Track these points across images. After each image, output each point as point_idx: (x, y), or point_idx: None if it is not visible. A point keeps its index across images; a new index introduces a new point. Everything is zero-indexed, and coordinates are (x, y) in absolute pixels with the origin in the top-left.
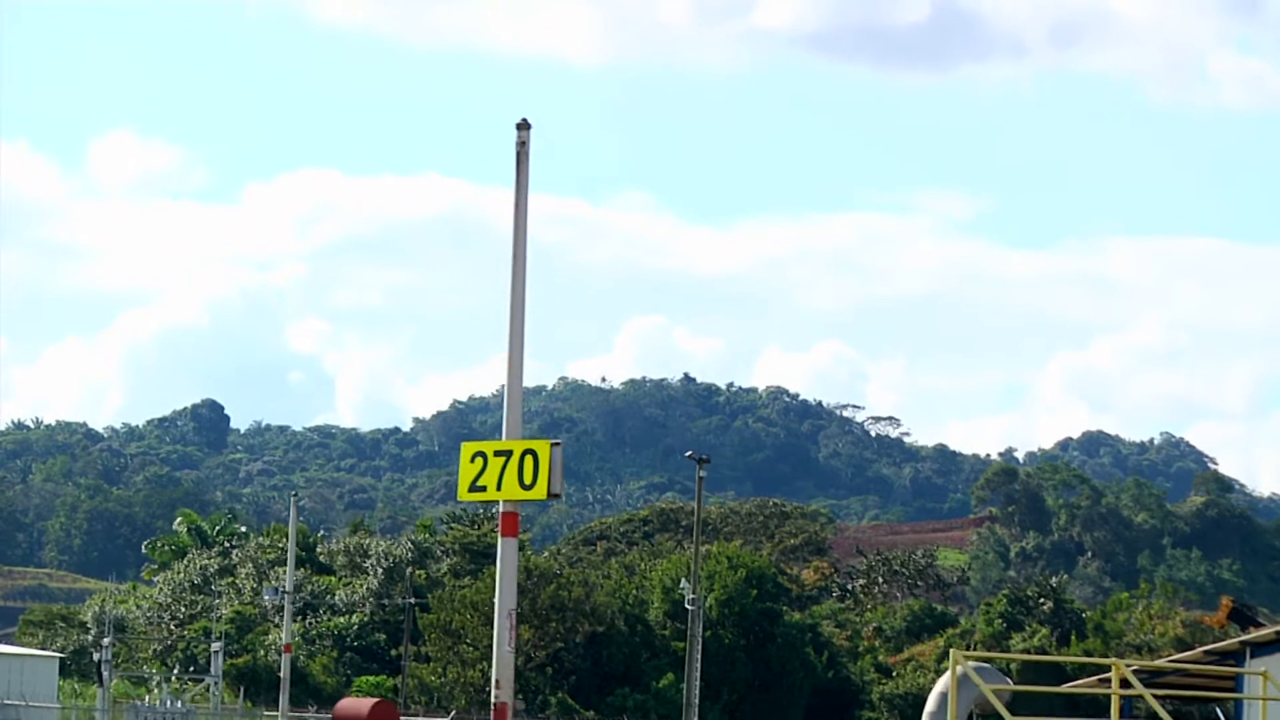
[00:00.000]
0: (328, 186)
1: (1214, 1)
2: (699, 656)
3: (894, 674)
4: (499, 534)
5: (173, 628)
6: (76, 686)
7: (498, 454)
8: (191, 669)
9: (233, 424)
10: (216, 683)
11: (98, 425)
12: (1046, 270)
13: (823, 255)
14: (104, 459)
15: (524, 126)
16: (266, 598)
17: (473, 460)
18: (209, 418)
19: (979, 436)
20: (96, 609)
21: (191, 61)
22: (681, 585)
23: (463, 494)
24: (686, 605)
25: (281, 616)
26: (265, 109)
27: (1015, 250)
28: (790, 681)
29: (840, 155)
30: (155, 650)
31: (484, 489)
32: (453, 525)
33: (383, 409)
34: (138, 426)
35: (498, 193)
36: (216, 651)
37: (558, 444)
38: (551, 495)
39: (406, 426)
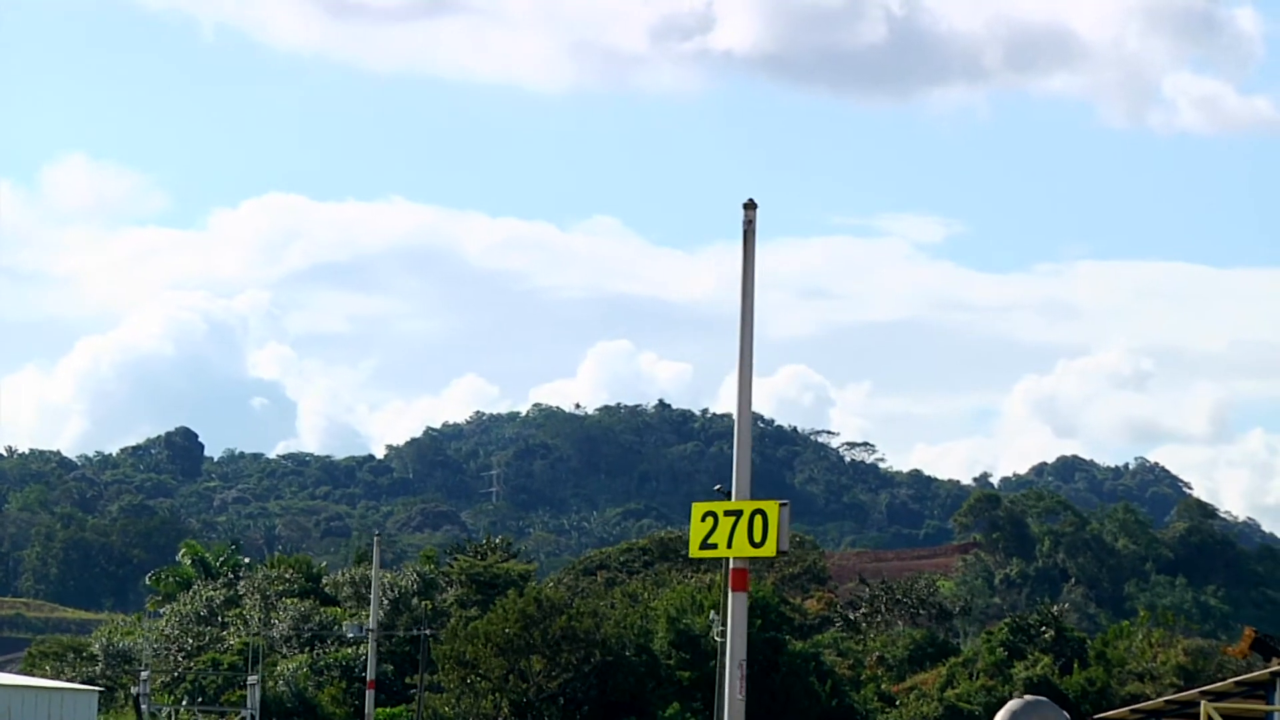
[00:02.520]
0: (293, 212)
1: (1169, 23)
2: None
3: (897, 703)
4: (729, 588)
5: (180, 659)
6: None
7: (728, 514)
8: (200, 700)
9: (206, 452)
10: (254, 716)
11: (71, 454)
12: (1014, 294)
13: (792, 279)
14: (79, 488)
15: (750, 206)
16: (350, 634)
17: (703, 519)
18: (183, 445)
19: (945, 461)
20: (104, 640)
21: (145, 85)
22: (710, 616)
23: (694, 551)
24: (715, 637)
25: (290, 647)
26: (225, 133)
27: (985, 274)
28: (795, 710)
29: (807, 179)
30: (163, 682)
31: (715, 546)
32: (458, 556)
33: (345, 435)
34: (111, 455)
35: (464, 218)
36: (253, 685)
37: (785, 504)
38: (780, 552)
39: (371, 452)
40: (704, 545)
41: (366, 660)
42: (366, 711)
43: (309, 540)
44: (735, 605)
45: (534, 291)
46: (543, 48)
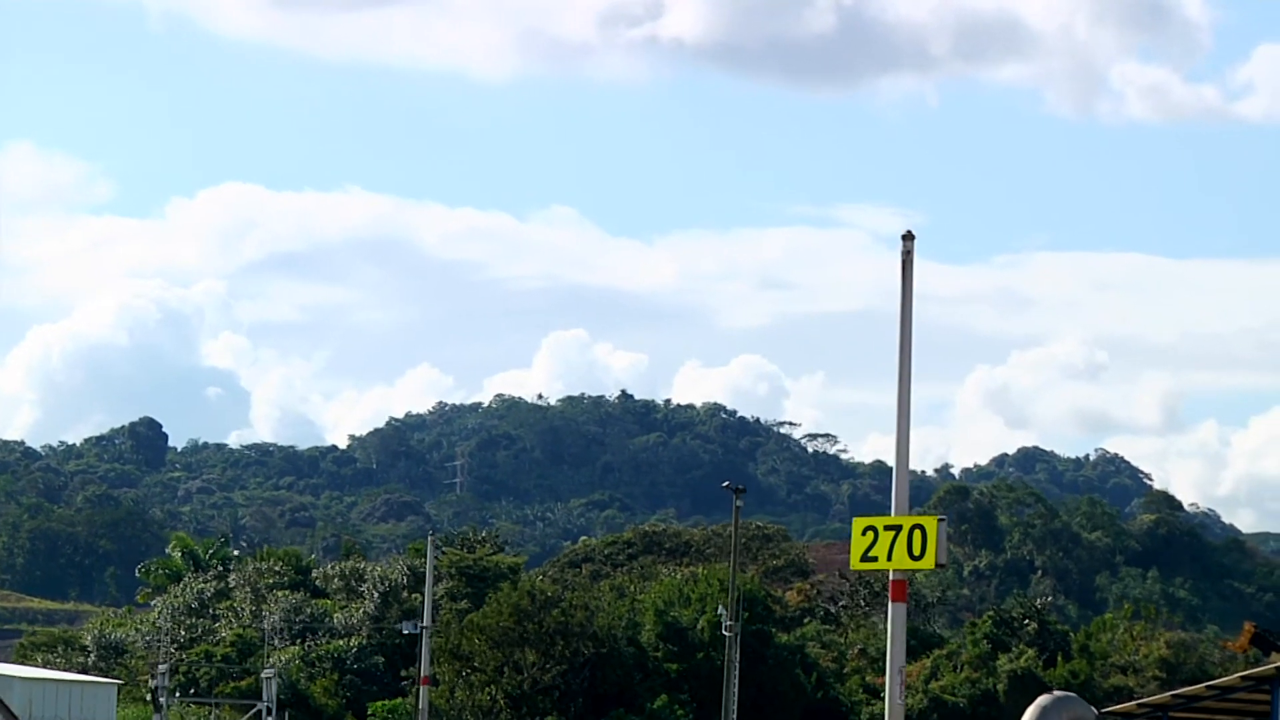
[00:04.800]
0: (251, 202)
1: (1117, 11)
2: (736, 680)
3: (882, 694)
4: (889, 598)
5: (173, 650)
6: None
7: (888, 528)
8: (192, 691)
9: (170, 442)
10: (270, 710)
11: (33, 444)
12: (971, 286)
13: (751, 270)
14: (44, 478)
15: (909, 237)
16: (405, 630)
17: (864, 533)
18: (146, 435)
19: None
20: (96, 632)
21: (92, 74)
22: (719, 611)
23: (854, 564)
24: (724, 631)
25: (281, 639)
26: (176, 122)
27: (943, 266)
28: (782, 702)
29: (762, 169)
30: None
31: (875, 559)
32: (447, 549)
33: (299, 424)
34: (75, 445)
35: (422, 209)
36: (269, 678)
37: (943, 519)
38: (938, 565)
39: (334, 443)
40: (864, 558)
41: (357, 653)
42: (420, 708)
43: (274, 530)
44: (894, 615)
45: (491, 282)
46: (490, 36)
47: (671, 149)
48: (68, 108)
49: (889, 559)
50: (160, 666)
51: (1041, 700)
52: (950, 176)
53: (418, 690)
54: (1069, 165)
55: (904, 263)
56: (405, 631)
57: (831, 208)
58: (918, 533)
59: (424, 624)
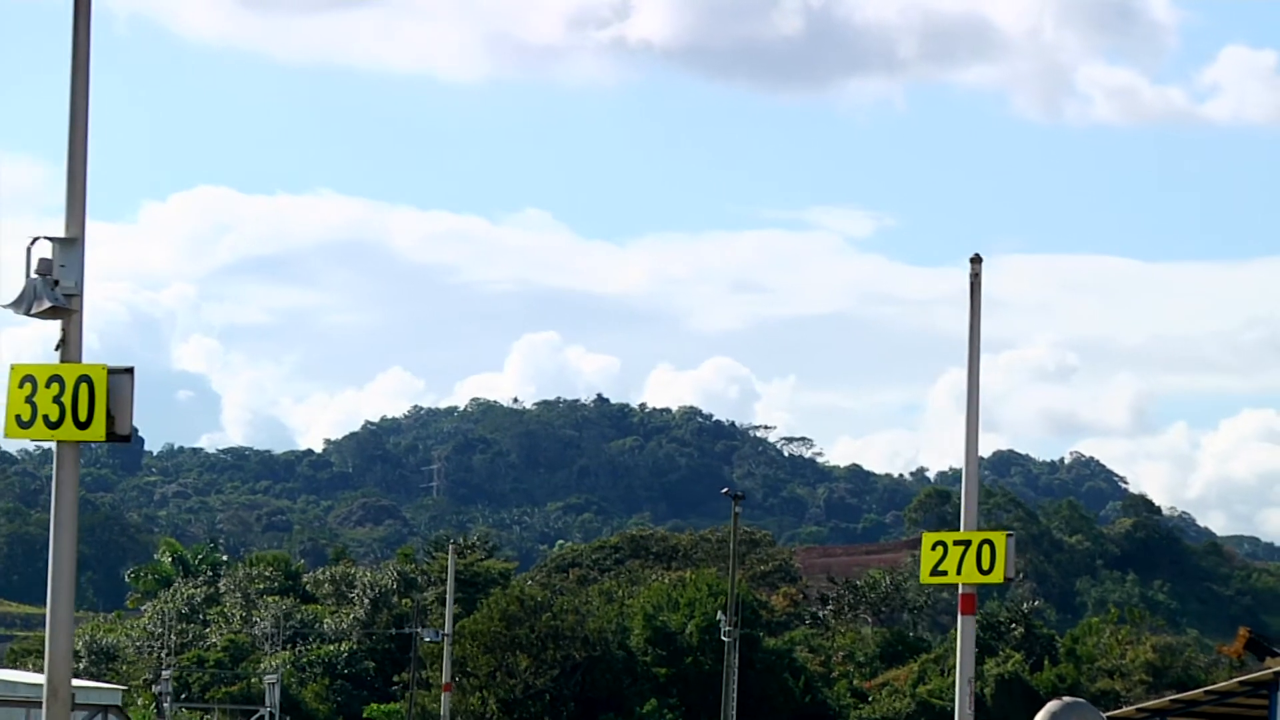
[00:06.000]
0: (223, 205)
1: (1084, 13)
2: (735, 685)
3: (869, 699)
4: (959, 611)
5: (164, 656)
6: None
7: (957, 543)
8: (184, 696)
9: (146, 446)
10: (273, 715)
11: (10, 447)
12: (942, 288)
13: (723, 273)
14: (20, 481)
15: (976, 260)
16: (427, 639)
17: (934, 548)
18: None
19: (867, 454)
20: (87, 638)
21: (57, 77)
22: (718, 616)
23: (924, 578)
24: (723, 637)
25: (273, 644)
26: (145, 126)
27: (915, 268)
28: (770, 707)
29: (733, 172)
30: (146, 680)
31: (944, 573)
32: (438, 554)
33: (271, 428)
34: (50, 449)
35: (395, 212)
36: (272, 684)
37: (1011, 534)
38: (1007, 579)
39: (310, 447)
40: (934, 572)
41: (347, 657)
42: (442, 714)
43: (251, 534)
44: (964, 627)
45: (464, 285)
46: (458, 38)
47: (643, 151)
48: (33, 111)
49: (958, 573)
50: (165, 672)
51: (1051, 706)
52: (920, 179)
53: (411, 695)
54: (1037, 168)
55: (972, 285)
56: (427, 640)
57: (803, 210)
58: (986, 548)
59: (445, 631)
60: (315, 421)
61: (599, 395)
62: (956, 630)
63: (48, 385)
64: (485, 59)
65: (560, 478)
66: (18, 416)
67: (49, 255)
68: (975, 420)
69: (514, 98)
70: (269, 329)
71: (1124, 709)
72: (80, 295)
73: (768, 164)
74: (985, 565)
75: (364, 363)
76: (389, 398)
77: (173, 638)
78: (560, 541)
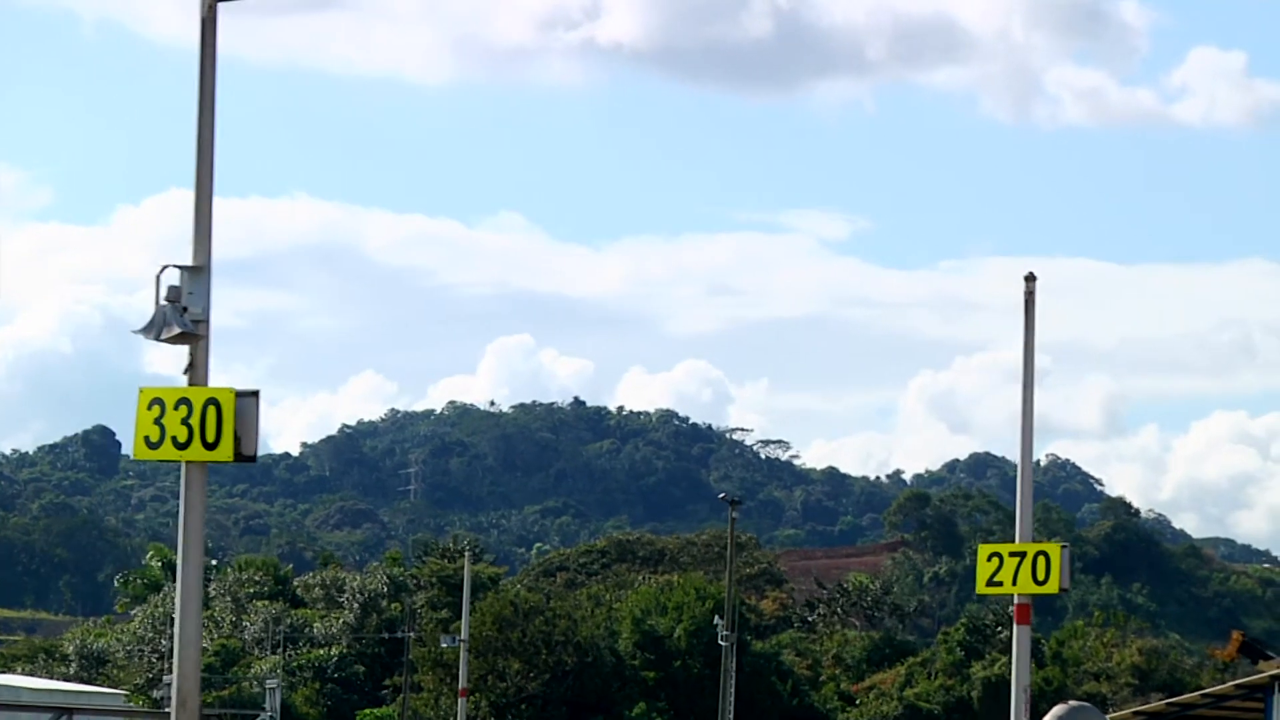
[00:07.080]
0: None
1: (1054, 15)
2: (733, 690)
3: (857, 701)
4: (1014, 621)
5: (154, 660)
6: None
7: (1012, 554)
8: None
9: (124, 449)
10: (275, 718)
11: None
12: (917, 291)
13: (699, 276)
14: None
15: (1030, 279)
16: (445, 644)
17: (989, 559)
18: (99, 443)
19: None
20: (78, 642)
21: (27, 82)
22: (715, 622)
23: (980, 588)
24: (720, 641)
25: (263, 648)
26: (116, 129)
27: (890, 271)
28: (758, 710)
29: (706, 174)
30: (137, 684)
31: (1000, 584)
32: (426, 558)
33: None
34: (29, 453)
35: (369, 215)
36: (273, 689)
37: (1066, 546)
38: (1061, 590)
39: (273, 448)
40: (990, 583)
41: (338, 662)
42: (459, 715)
43: (229, 538)
44: (1019, 636)
45: (439, 288)
46: (427, 40)
47: (615, 153)
48: (4, 116)
49: (1014, 584)
50: (166, 677)
51: (1057, 710)
52: (891, 181)
53: (404, 699)
54: (1008, 170)
55: (1026, 303)
56: (445, 645)
57: (778, 213)
58: (1041, 559)
59: (462, 638)
60: (288, 425)
61: (575, 398)
62: (1012, 639)
63: (176, 408)
64: (454, 61)
65: (537, 481)
66: (146, 438)
67: (177, 283)
68: (1029, 433)
69: (485, 100)
70: (242, 332)
71: (1120, 712)
72: (207, 321)
73: (740, 166)
74: (1040, 576)
75: (337, 366)
76: (362, 401)
77: (164, 642)
78: (538, 545)
